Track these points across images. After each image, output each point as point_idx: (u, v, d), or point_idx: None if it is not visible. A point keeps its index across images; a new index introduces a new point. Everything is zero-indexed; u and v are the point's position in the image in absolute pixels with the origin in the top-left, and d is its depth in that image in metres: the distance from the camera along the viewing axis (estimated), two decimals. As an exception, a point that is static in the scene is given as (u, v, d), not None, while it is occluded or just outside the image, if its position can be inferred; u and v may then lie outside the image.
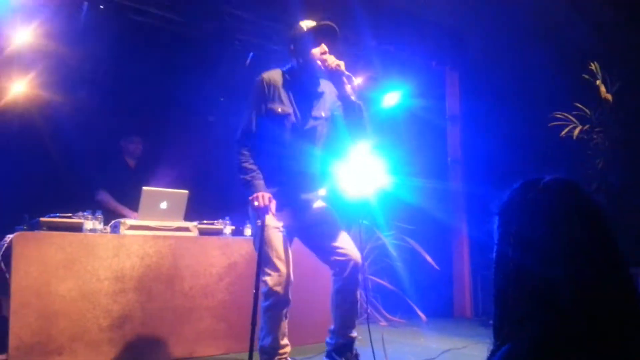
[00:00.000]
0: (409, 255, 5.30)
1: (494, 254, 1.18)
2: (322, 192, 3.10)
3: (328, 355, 2.91)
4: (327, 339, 2.92)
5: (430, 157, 5.99)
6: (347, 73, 2.77)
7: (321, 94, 2.94)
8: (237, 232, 4.08)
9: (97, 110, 4.99)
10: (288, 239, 2.84)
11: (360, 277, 2.88)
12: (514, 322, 1.09)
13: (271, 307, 2.71)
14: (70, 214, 3.40)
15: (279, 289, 2.68)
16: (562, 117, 4.36)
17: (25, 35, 4.30)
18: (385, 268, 5.24)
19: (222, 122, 5.75)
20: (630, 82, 4.32)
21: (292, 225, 2.89)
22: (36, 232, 3.19)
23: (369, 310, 4.93)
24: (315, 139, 2.92)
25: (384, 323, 5.03)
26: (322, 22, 2.81)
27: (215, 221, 3.98)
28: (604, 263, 1.06)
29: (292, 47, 2.87)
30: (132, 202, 4.06)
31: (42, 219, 3.28)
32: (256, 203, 2.66)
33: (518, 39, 5.17)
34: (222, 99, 6.00)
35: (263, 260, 2.71)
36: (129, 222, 3.56)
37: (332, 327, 2.90)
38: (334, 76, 2.80)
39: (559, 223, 1.10)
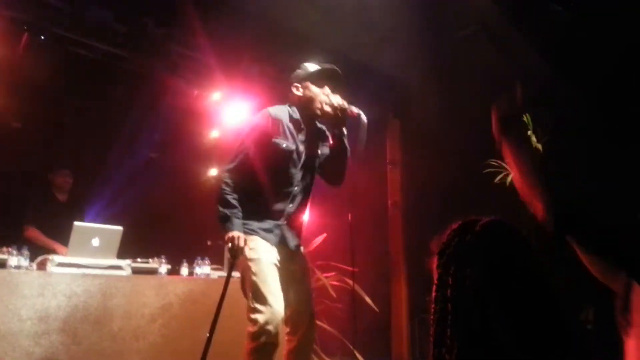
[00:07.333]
0: (349, 297, 5.28)
1: (433, 294, 1.19)
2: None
3: None
4: None
5: (371, 200, 6.07)
6: (355, 111, 2.78)
7: (322, 133, 2.93)
8: (173, 271, 3.95)
9: (30, 142, 4.79)
10: None
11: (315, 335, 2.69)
12: (452, 362, 1.09)
13: (261, 349, 2.45)
14: (-7, 250, 3.20)
15: (270, 327, 2.44)
16: (496, 164, 4.53)
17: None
18: (325, 310, 5.18)
19: (164, 159, 5.65)
20: (559, 132, 4.57)
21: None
22: (-46, 268, 2.98)
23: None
24: (311, 178, 2.86)
25: (322, 367, 4.94)
26: (327, 65, 2.85)
27: (151, 259, 3.84)
28: (541, 307, 1.08)
29: (296, 86, 2.86)
30: (63, 238, 3.87)
31: (-39, 254, 3.08)
32: (230, 245, 2.51)
33: (458, 92, 5.41)
34: (153, 156, 5.87)
35: (255, 297, 2.51)
36: (57, 259, 3.38)
37: None
38: (338, 117, 2.77)
39: (494, 267, 1.12)
